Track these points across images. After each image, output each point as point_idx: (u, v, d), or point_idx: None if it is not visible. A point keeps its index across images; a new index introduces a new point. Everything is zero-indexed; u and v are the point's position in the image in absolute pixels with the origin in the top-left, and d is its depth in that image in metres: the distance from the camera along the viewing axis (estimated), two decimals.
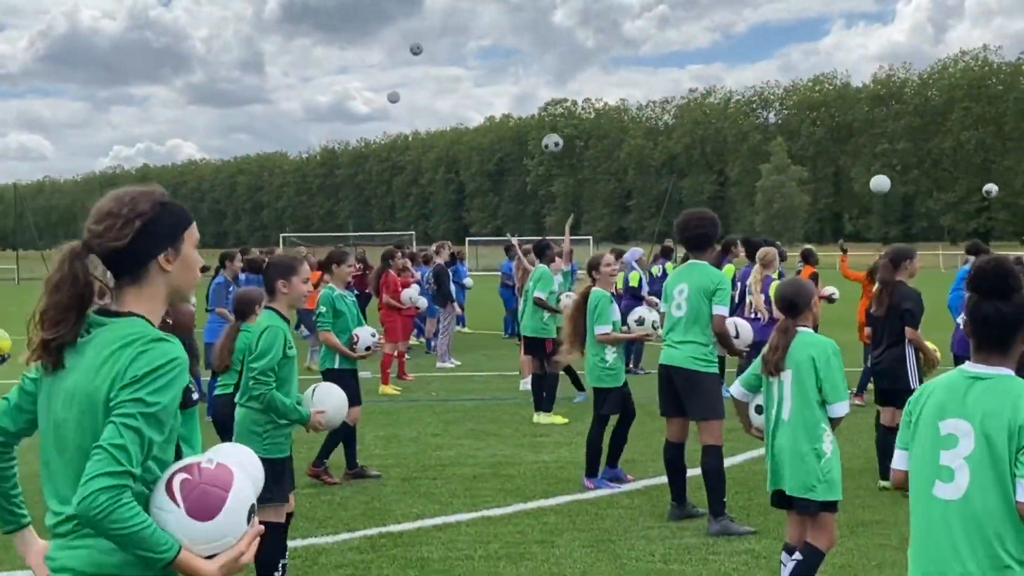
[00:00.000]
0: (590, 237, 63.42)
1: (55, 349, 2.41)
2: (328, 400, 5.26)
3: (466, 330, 20.58)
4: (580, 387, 11.86)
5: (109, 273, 2.51)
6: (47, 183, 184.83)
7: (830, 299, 14.25)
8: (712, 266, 7.23)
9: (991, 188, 29.01)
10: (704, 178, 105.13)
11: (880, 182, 18.21)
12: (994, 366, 2.95)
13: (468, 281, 18.19)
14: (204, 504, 2.32)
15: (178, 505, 2.31)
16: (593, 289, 7.95)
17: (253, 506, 2.42)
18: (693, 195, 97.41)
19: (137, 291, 2.49)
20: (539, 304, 10.92)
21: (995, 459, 2.85)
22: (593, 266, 8.09)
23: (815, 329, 5.34)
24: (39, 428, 2.53)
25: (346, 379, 7.51)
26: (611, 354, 7.87)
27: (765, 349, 5.01)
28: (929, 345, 8.37)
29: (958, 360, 9.61)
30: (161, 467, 2.40)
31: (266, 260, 5.12)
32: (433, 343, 17.36)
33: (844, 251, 13.69)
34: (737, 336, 7.42)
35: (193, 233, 2.57)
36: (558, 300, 11.06)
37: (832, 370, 4.83)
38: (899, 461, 3.15)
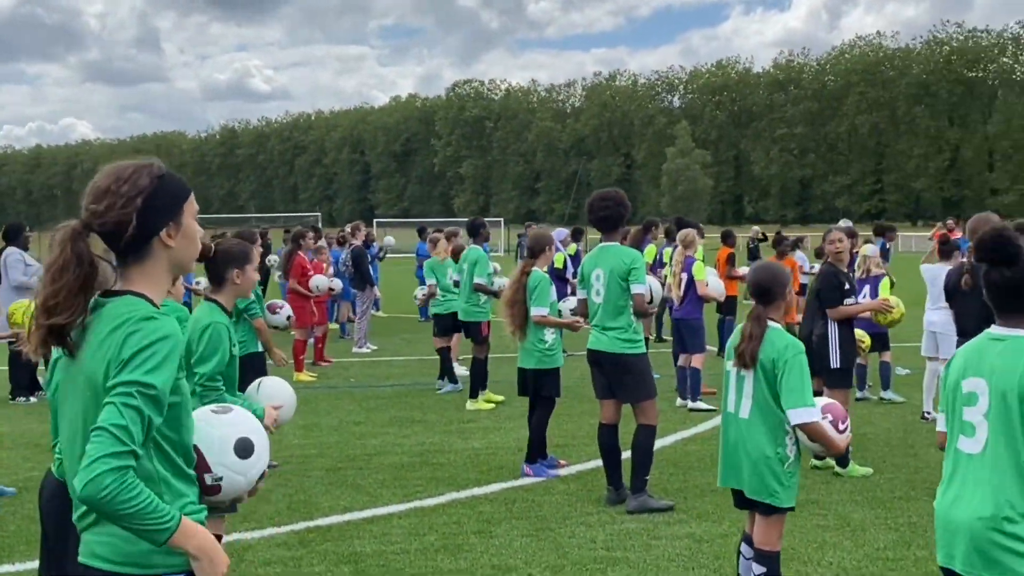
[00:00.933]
0: (501, 219, 63.25)
1: (62, 336, 2.35)
2: (279, 394, 4.79)
3: (380, 314, 20.19)
4: (453, 378, 11.63)
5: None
6: None
7: (744, 279, 14.45)
8: (624, 246, 7.17)
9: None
10: (611, 160, 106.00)
11: None
12: (1012, 328, 3.12)
13: (390, 240, 17.16)
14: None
15: None
16: (534, 269, 7.73)
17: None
18: (601, 177, 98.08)
19: (140, 269, 2.43)
20: (479, 290, 10.63)
21: (1009, 416, 3.00)
22: (537, 246, 7.87)
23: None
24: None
25: (260, 362, 7.41)
26: (550, 335, 7.69)
27: (736, 339, 4.56)
28: (876, 303, 8.31)
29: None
30: (175, 448, 2.38)
31: (212, 246, 4.57)
32: (347, 327, 16.97)
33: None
34: (651, 301, 7.40)
35: (192, 204, 2.50)
36: (492, 281, 10.84)
37: (792, 374, 4.30)
38: (940, 423, 3.31)
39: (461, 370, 12.52)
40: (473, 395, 10.51)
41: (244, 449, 2.57)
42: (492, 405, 10.50)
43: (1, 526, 6.62)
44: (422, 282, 19.86)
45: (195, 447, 2.51)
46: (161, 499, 2.32)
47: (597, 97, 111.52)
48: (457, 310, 11.25)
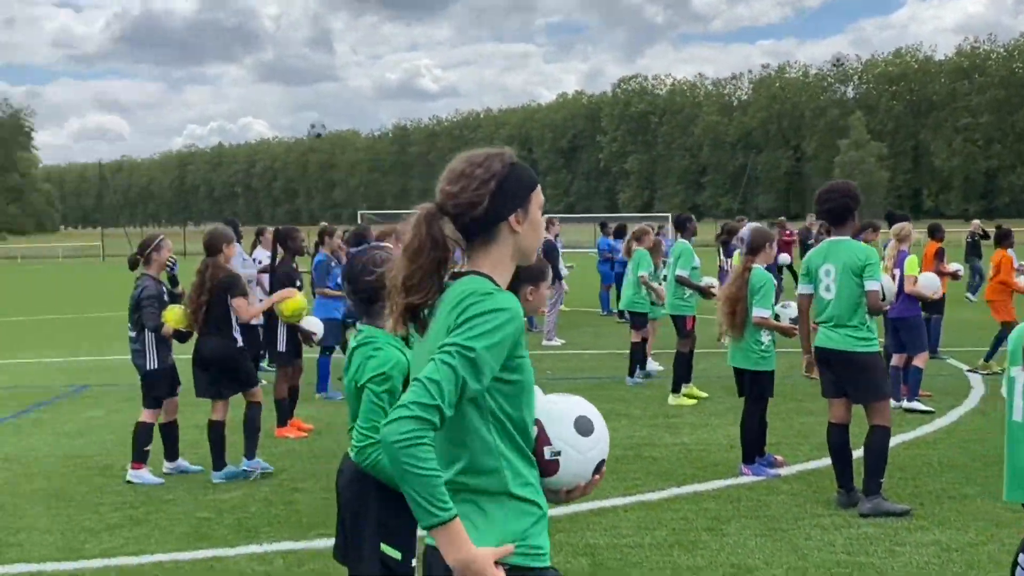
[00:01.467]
0: (668, 215, 62.43)
1: (416, 315, 2.43)
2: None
3: (563, 308, 20.25)
4: (643, 367, 11.75)
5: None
6: (125, 162, 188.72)
7: (955, 276, 13.71)
8: (857, 242, 6.88)
9: None
10: (780, 153, 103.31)
11: None
12: None
13: (564, 271, 17.23)
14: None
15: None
16: (755, 267, 7.54)
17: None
18: (769, 170, 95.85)
19: (486, 252, 2.48)
20: (681, 282, 10.57)
21: None
22: (757, 242, 7.66)
23: None
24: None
25: None
26: (766, 336, 7.49)
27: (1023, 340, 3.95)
28: None
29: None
30: (516, 426, 2.38)
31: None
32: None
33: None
34: (884, 299, 7.06)
35: (539, 195, 2.53)
36: (699, 277, 10.71)
37: None
38: None
39: (654, 365, 12.42)
40: (675, 389, 10.38)
41: (584, 427, 2.53)
42: (694, 400, 10.34)
43: (243, 507, 6.92)
44: (603, 276, 19.98)
45: (536, 421, 2.50)
46: (501, 475, 2.35)
47: (765, 89, 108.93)
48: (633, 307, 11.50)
